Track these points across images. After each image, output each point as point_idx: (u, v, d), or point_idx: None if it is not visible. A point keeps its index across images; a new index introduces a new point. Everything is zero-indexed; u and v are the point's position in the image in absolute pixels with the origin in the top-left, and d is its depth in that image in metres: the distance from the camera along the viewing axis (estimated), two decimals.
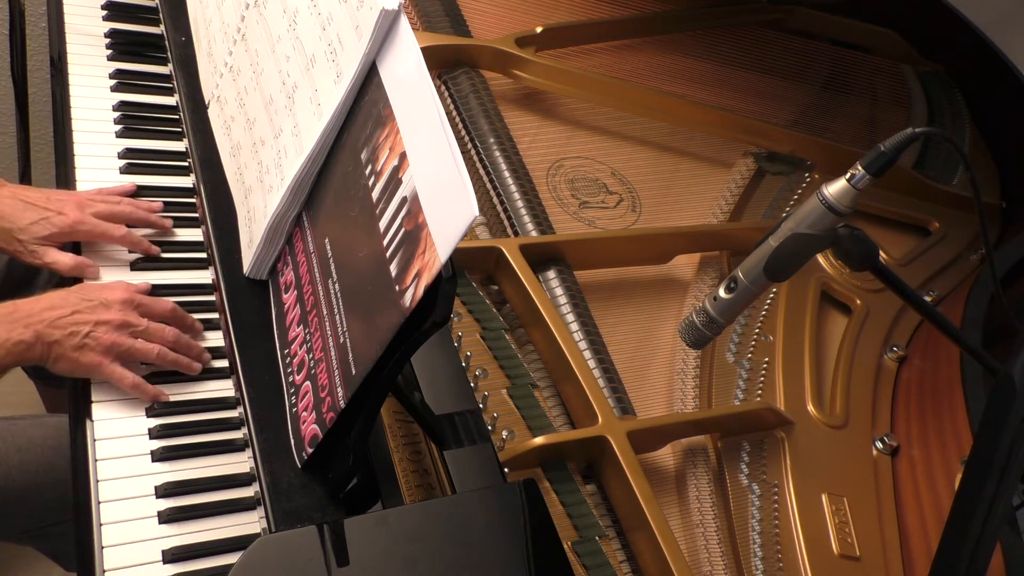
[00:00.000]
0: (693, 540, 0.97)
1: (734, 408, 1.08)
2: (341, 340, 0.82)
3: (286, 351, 0.92)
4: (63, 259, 1.03)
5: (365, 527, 0.75)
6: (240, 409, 0.95)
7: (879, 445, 1.09)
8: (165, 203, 1.13)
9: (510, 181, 1.21)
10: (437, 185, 0.70)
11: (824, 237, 0.83)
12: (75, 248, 1.06)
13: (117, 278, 1.03)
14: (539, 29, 1.37)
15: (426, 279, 0.70)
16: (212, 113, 1.12)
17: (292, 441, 0.87)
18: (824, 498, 1.02)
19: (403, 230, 0.73)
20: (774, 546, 0.97)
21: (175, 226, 1.11)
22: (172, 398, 0.96)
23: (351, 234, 0.83)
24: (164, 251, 1.08)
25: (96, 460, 0.90)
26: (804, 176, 1.40)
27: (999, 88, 1.57)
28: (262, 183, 0.96)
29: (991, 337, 1.16)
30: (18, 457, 1.04)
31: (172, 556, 0.85)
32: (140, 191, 1.13)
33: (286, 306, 0.94)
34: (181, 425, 0.94)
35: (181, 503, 0.89)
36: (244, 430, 0.91)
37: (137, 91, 1.25)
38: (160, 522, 0.87)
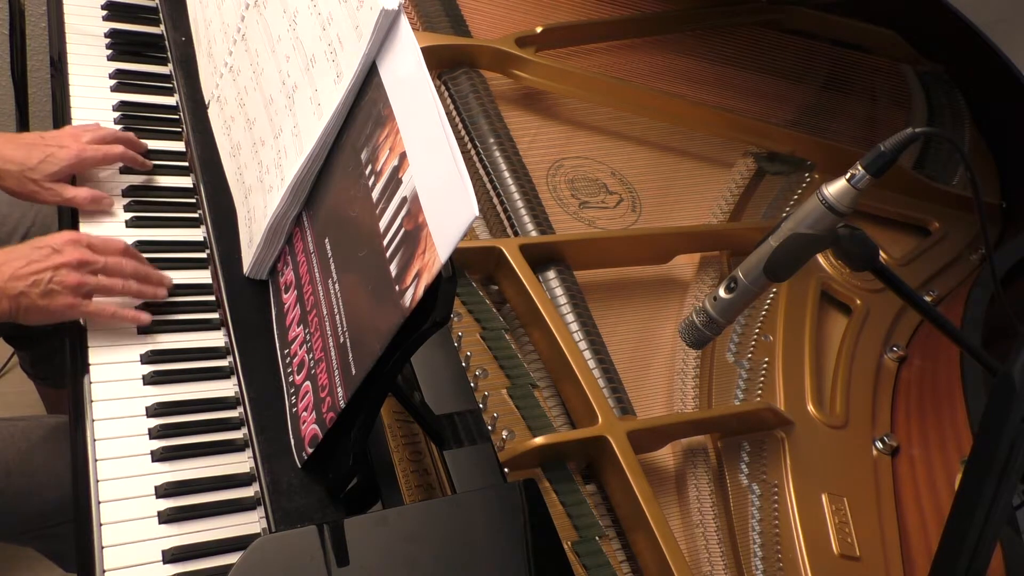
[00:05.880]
0: (693, 540, 0.97)
1: (734, 408, 1.08)
2: (341, 340, 0.82)
3: (286, 351, 0.92)
4: (81, 193, 1.06)
5: (365, 527, 0.75)
6: (240, 409, 0.95)
7: (879, 445, 1.09)
8: (165, 203, 1.13)
9: (510, 181, 1.21)
10: (437, 185, 0.70)
11: (824, 237, 0.83)
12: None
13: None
14: (539, 29, 1.37)
15: (426, 279, 0.70)
16: (212, 113, 1.12)
17: (292, 441, 0.87)
18: (824, 498, 1.02)
19: (403, 230, 0.73)
20: (774, 546, 0.97)
21: (175, 226, 1.11)
22: (171, 397, 0.96)
23: (351, 234, 0.83)
24: (164, 251, 1.08)
25: (96, 460, 0.90)
26: (804, 176, 1.40)
27: (999, 88, 1.57)
28: (262, 183, 0.96)
29: (991, 337, 1.16)
30: (18, 458, 1.04)
31: (172, 556, 0.85)
32: (140, 191, 1.13)
33: (286, 306, 0.94)
34: (181, 425, 0.94)
35: (181, 503, 0.89)
36: (244, 430, 0.92)
37: (137, 91, 1.25)
38: (160, 522, 0.87)
